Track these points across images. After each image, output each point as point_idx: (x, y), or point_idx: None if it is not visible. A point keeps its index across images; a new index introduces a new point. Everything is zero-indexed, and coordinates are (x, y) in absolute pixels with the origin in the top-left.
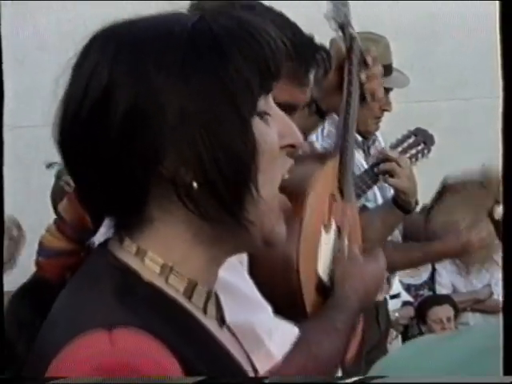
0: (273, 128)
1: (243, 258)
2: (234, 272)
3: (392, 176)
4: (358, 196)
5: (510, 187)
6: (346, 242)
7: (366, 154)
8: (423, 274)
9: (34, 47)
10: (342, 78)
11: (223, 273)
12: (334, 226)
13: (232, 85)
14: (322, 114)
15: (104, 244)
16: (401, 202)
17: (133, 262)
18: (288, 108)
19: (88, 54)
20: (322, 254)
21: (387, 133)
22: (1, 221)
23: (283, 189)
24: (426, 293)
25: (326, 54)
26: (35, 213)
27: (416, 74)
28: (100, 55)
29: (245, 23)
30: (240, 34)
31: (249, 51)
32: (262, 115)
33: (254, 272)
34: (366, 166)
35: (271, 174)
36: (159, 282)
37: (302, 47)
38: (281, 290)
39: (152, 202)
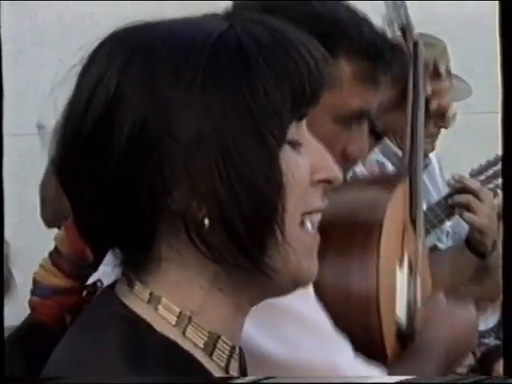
0: (305, 159)
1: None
2: (308, 302)
3: (469, 210)
4: (427, 232)
5: (510, 187)
6: (419, 281)
7: None
8: (490, 319)
9: (31, 43)
10: (403, 91)
11: (295, 303)
12: (406, 263)
13: (258, 108)
14: (377, 135)
15: (111, 287)
16: (474, 243)
17: (144, 312)
18: (360, 115)
19: (94, 60)
20: (398, 294)
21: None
22: (1, 232)
23: (349, 218)
24: (492, 342)
25: (400, 54)
26: (30, 237)
27: (477, 81)
28: (107, 63)
29: (280, 35)
30: (272, 48)
31: (281, 69)
32: (294, 145)
33: (323, 305)
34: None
35: (298, 213)
36: (174, 335)
37: (374, 45)
38: (358, 327)
39: (160, 238)
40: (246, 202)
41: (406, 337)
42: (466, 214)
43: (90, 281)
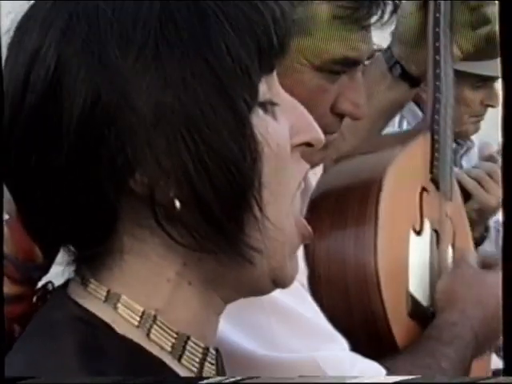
0: (282, 122)
1: (303, 279)
2: (295, 295)
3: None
4: None
5: (510, 187)
6: (450, 249)
7: (458, 165)
8: None
9: None
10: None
11: (280, 295)
12: (428, 229)
13: (222, 69)
14: (413, 81)
15: (63, 287)
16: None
17: (102, 311)
18: (347, 64)
19: (27, 28)
20: (414, 266)
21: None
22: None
23: (345, 184)
24: None
25: None
26: None
27: None
28: (42, 32)
29: None
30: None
31: (243, 21)
32: (266, 106)
33: (318, 297)
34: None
35: (281, 187)
36: (138, 337)
37: None
38: (358, 317)
39: (122, 227)
40: (219, 177)
41: (426, 313)
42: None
43: (41, 284)
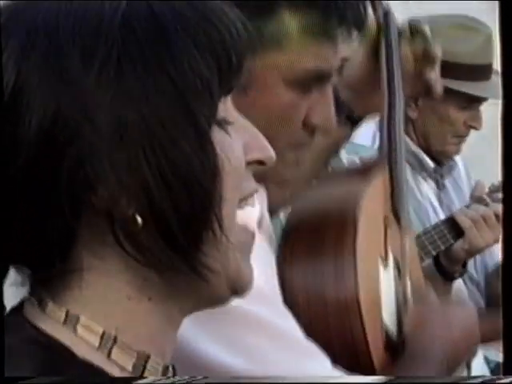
0: (237, 140)
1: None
2: (274, 309)
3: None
4: (428, 254)
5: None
6: (408, 281)
7: (440, 186)
8: None
9: None
10: (377, 70)
11: (261, 309)
12: (392, 262)
13: (184, 83)
14: (354, 121)
15: (18, 309)
16: (444, 263)
17: (62, 335)
18: (319, 77)
19: None
20: (384, 298)
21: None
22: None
23: (321, 214)
24: None
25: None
26: None
27: None
28: (3, 46)
29: (195, 1)
30: (189, 14)
31: (202, 37)
32: (222, 124)
33: (296, 316)
34: (436, 204)
35: (235, 203)
36: (98, 360)
37: None
38: (339, 339)
39: (80, 245)
40: (180, 193)
41: (397, 346)
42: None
43: None
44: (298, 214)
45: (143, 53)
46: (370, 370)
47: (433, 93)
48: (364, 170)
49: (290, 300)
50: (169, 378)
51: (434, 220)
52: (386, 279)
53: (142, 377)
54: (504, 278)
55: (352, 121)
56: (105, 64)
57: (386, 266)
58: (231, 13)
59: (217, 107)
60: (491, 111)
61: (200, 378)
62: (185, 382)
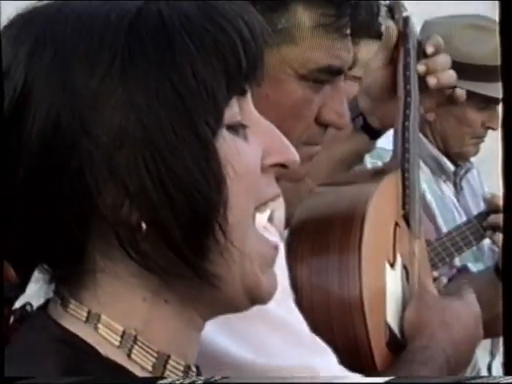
0: (253, 144)
1: (288, 290)
2: (284, 305)
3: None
4: (450, 256)
5: (510, 187)
6: (417, 285)
7: (458, 188)
8: None
9: None
10: (395, 77)
11: (271, 305)
12: (400, 264)
13: (187, 92)
14: (373, 134)
15: (43, 308)
16: None
17: (84, 332)
18: (331, 73)
19: (3, 42)
20: (389, 299)
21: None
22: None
23: (328, 214)
24: None
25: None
26: None
27: None
28: (14, 51)
29: (207, 3)
30: (198, 20)
31: (209, 43)
32: (236, 128)
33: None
34: (457, 205)
35: (247, 209)
36: (120, 358)
37: None
38: (341, 337)
39: (92, 247)
40: (181, 202)
41: (401, 346)
42: (500, 237)
43: (18, 304)
44: (304, 212)
45: (148, 60)
46: (371, 369)
47: (455, 99)
48: (376, 173)
49: (295, 297)
50: (187, 377)
51: (456, 219)
52: (393, 280)
53: (160, 377)
54: (504, 278)
55: (369, 132)
56: (108, 71)
57: (393, 266)
58: (247, 14)
59: (222, 114)
60: None
61: (219, 378)
62: (204, 382)
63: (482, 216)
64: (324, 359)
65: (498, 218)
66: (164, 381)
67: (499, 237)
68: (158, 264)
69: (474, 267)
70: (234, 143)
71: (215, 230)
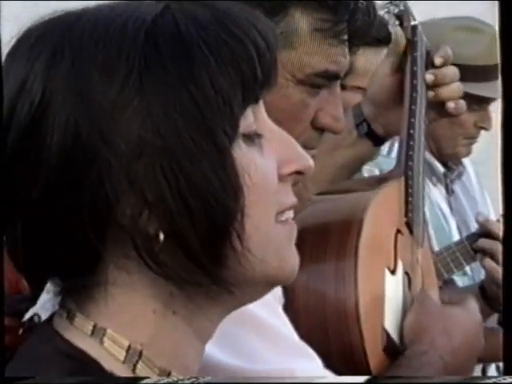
0: (268, 154)
1: (278, 294)
2: (270, 309)
3: (492, 258)
4: (441, 277)
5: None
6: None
7: (450, 192)
8: None
9: None
10: (402, 85)
11: (256, 308)
12: (401, 271)
13: (204, 100)
14: (377, 141)
15: (49, 320)
16: (490, 293)
17: (89, 346)
18: (328, 77)
19: (15, 60)
20: (388, 304)
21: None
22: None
23: (325, 220)
24: None
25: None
26: None
27: None
28: (29, 63)
29: (222, 13)
30: (214, 30)
31: (226, 53)
32: (251, 137)
33: (296, 327)
34: (447, 211)
35: (265, 218)
36: (124, 373)
37: None
38: (336, 348)
39: (107, 258)
40: (199, 211)
41: (400, 352)
42: (488, 262)
43: (27, 316)
44: (303, 219)
45: (165, 70)
46: (366, 374)
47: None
48: (379, 181)
49: (290, 303)
50: (172, 378)
51: (443, 227)
52: (394, 286)
53: (145, 377)
54: (504, 278)
55: (373, 139)
56: (126, 81)
57: (394, 273)
58: (260, 23)
59: (238, 123)
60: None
61: (202, 379)
62: (188, 383)
63: (474, 237)
64: (310, 364)
65: (488, 243)
66: (146, 381)
67: (488, 262)
68: (176, 273)
69: (460, 281)
70: (250, 153)
71: (232, 238)
